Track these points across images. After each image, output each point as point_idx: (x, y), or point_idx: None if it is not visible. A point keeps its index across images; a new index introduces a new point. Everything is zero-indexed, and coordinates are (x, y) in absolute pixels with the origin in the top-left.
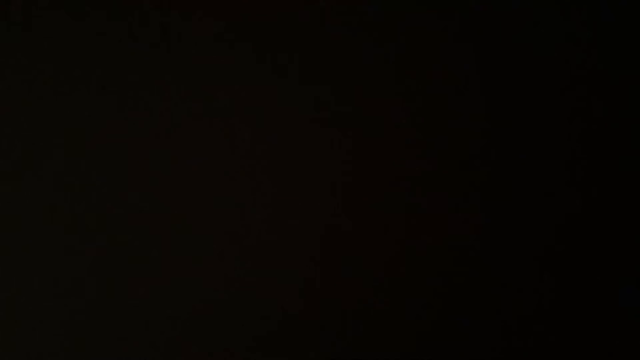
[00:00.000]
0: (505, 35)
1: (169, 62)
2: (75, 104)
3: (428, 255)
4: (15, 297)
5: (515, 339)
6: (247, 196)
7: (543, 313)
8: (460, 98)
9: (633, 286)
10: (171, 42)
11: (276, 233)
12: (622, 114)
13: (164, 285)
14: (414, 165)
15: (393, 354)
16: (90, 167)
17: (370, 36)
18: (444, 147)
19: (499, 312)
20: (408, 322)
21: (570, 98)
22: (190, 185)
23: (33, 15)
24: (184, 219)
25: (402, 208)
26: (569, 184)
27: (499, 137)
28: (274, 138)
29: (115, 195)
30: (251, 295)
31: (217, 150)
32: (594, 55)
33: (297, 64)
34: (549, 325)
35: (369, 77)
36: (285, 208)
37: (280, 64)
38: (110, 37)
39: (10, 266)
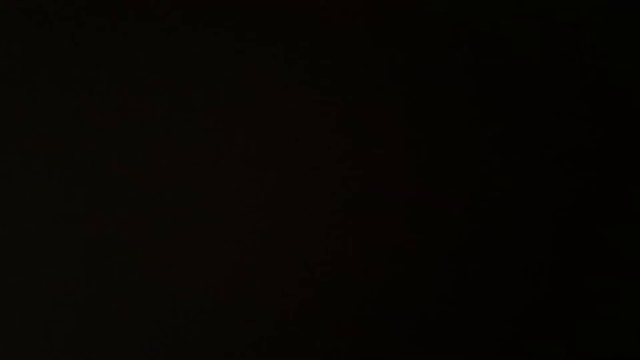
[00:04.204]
0: (505, 34)
1: (168, 61)
2: (75, 103)
3: (428, 254)
4: (14, 297)
5: (515, 338)
6: (246, 196)
7: (542, 313)
8: (459, 97)
9: (633, 286)
10: (171, 41)
11: (275, 232)
12: (621, 114)
13: (164, 285)
14: (413, 165)
15: (393, 354)
16: (90, 167)
17: (371, 36)
18: (444, 147)
19: (498, 312)
20: (408, 321)
21: (569, 99)
22: (190, 184)
23: (32, 16)
24: (183, 218)
25: (401, 207)
26: (568, 184)
27: (498, 137)
28: (274, 137)
29: (115, 195)
30: (250, 294)
31: (216, 150)
32: (593, 55)
33: (296, 63)
34: (548, 325)
35: (369, 76)
36: (285, 207)
37: (280, 63)
38: (110, 37)
39: (9, 266)
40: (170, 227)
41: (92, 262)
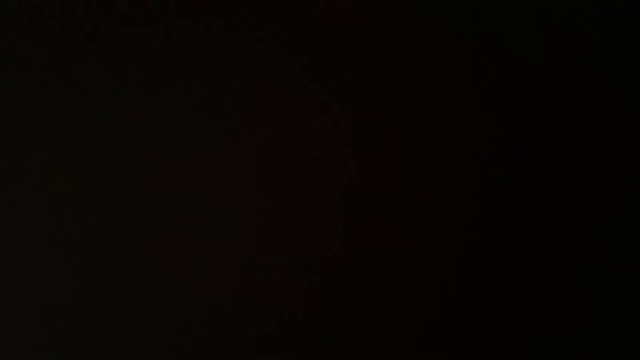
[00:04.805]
0: (505, 35)
1: (168, 61)
2: (76, 104)
3: (428, 254)
4: (14, 297)
5: (514, 340)
6: (246, 196)
7: (542, 314)
8: (459, 98)
9: (633, 287)
10: (171, 42)
11: (275, 233)
12: (622, 116)
13: (164, 286)
14: (414, 166)
15: (392, 355)
16: (90, 168)
17: (371, 37)
18: (444, 148)
19: (497, 313)
20: (407, 323)
21: (570, 100)
22: (190, 185)
23: (32, 15)
24: (184, 219)
25: (401, 210)
26: (568, 185)
27: (498, 138)
28: (274, 139)
29: (116, 196)
30: (250, 295)
31: (217, 150)
32: (593, 57)
33: (296, 63)
34: (548, 327)
35: (368, 76)
36: (285, 208)
37: (280, 63)
38: (109, 37)
39: (9, 266)
40: (170, 227)
41: (91, 262)
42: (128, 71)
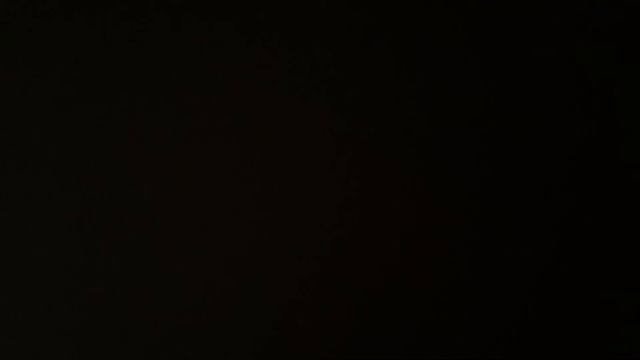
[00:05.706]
0: (505, 35)
1: (168, 61)
2: (76, 105)
3: (427, 258)
4: (15, 298)
5: (513, 342)
6: (245, 199)
7: (542, 317)
8: (459, 100)
9: (633, 288)
10: (171, 42)
11: (274, 236)
12: (622, 115)
13: (164, 287)
14: (413, 167)
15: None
16: (91, 168)
17: (370, 39)
18: (444, 151)
19: (498, 317)
20: (406, 326)
21: (569, 101)
22: (189, 186)
23: (32, 16)
24: (183, 220)
25: (400, 210)
26: (569, 189)
27: (498, 140)
28: (274, 141)
29: (116, 197)
30: (250, 296)
31: (217, 151)
32: (594, 55)
33: (296, 64)
34: (548, 329)
35: (368, 78)
36: (283, 210)
37: (280, 64)
38: (111, 37)
39: (10, 266)
40: (169, 228)
41: (90, 263)
42: (126, 71)
